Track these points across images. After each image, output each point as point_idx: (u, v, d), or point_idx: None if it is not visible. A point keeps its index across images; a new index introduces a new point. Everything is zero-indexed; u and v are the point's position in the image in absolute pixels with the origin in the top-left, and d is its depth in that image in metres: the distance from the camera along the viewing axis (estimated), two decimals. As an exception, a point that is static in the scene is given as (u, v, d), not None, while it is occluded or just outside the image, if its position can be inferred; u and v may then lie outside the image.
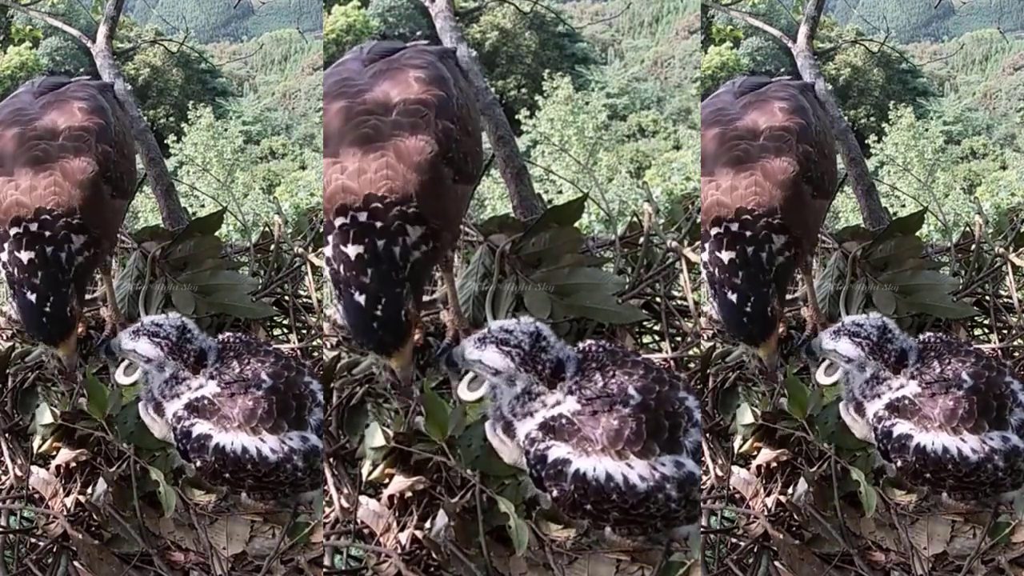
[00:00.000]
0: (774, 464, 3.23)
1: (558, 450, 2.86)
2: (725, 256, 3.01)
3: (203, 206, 3.43)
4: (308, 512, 3.17)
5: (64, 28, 3.52)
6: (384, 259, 2.83)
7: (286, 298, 3.34)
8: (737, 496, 3.25)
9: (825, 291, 3.26)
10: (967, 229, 3.39)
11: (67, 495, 3.26)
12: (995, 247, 3.33)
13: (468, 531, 3.04)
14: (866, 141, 3.45)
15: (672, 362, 3.17)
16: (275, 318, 3.34)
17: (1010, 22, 3.48)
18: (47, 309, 3.04)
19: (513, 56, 3.44)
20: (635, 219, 3.29)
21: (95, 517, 3.24)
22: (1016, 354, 3.24)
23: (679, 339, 3.20)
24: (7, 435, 3.31)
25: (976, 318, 3.30)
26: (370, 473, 3.10)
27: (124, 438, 3.21)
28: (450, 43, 3.32)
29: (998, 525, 3.13)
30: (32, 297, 3.03)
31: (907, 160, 3.44)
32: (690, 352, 3.19)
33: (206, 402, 3.07)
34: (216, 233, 3.33)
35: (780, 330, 3.13)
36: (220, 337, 3.15)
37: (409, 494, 3.07)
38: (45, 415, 3.28)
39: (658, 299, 3.21)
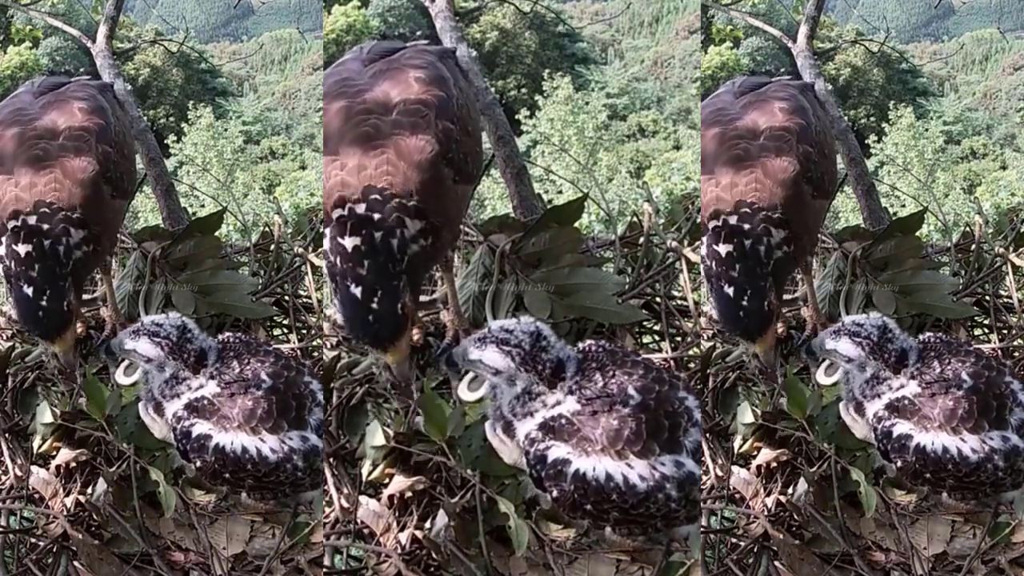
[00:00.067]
0: (774, 464, 3.23)
1: (558, 450, 2.86)
2: (722, 249, 3.01)
3: (203, 206, 3.43)
4: (308, 512, 3.17)
5: (64, 28, 3.52)
6: (381, 251, 2.83)
7: (286, 298, 3.34)
8: (737, 496, 3.25)
9: (825, 291, 3.26)
10: (967, 229, 3.39)
11: (67, 495, 3.26)
12: (995, 247, 3.33)
13: (468, 531, 3.04)
14: (866, 141, 3.45)
15: (672, 362, 3.17)
16: (275, 318, 3.34)
17: (1010, 22, 3.48)
18: (43, 303, 3.03)
19: (513, 56, 3.44)
20: (635, 219, 3.29)
21: (95, 517, 3.24)
22: (1016, 354, 3.24)
23: (679, 339, 3.20)
24: (7, 435, 3.31)
25: (976, 318, 3.30)
26: (370, 473, 3.10)
27: (124, 438, 3.21)
28: (450, 43, 3.32)
29: (998, 525, 3.13)
30: (28, 291, 3.02)
31: (907, 160, 3.44)
32: (690, 352, 3.19)
33: (206, 402, 3.07)
34: (216, 233, 3.33)
35: (780, 330, 3.13)
36: (220, 337, 3.15)
37: (409, 494, 3.07)
38: (45, 415, 3.28)
39: (658, 299, 3.21)
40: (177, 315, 3.18)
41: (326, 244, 2.84)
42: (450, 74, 2.99)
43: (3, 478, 3.32)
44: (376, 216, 2.82)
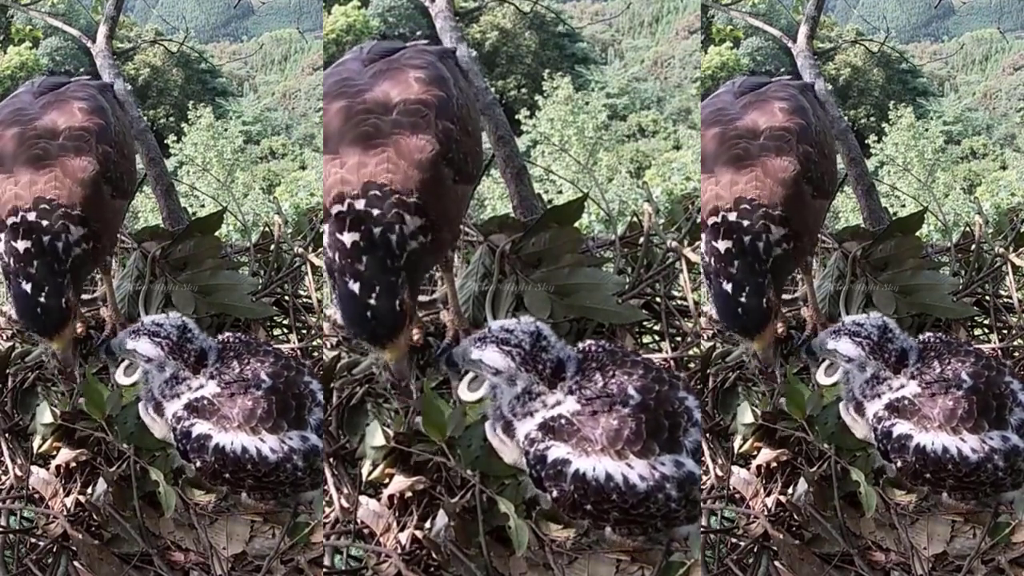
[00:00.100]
0: (774, 464, 3.23)
1: (558, 450, 2.86)
2: (721, 245, 3.01)
3: (203, 206, 3.43)
4: (308, 512, 3.17)
5: (64, 28, 3.52)
6: (380, 246, 2.82)
7: (286, 298, 3.34)
8: (737, 496, 3.25)
9: (825, 291, 3.26)
10: (967, 229, 3.39)
11: (67, 495, 3.26)
12: (995, 247, 3.33)
13: (468, 531, 3.04)
14: (866, 141, 3.45)
15: (672, 362, 3.17)
16: (275, 318, 3.34)
17: (1010, 22, 3.48)
18: (42, 300, 3.02)
19: (513, 56, 3.44)
20: (635, 219, 3.29)
21: (95, 517, 3.24)
22: (1016, 354, 3.24)
23: (679, 339, 3.20)
24: (7, 435, 3.31)
25: (976, 318, 3.30)
26: (370, 473, 3.10)
27: (124, 438, 3.21)
28: (450, 43, 3.32)
29: (998, 525, 3.13)
30: (27, 287, 3.02)
31: (907, 160, 3.44)
32: (690, 352, 3.19)
33: (206, 402, 3.07)
34: (216, 233, 3.33)
35: (780, 329, 3.13)
36: (220, 337, 3.15)
37: (409, 494, 3.07)
38: (45, 415, 3.28)
39: (658, 299, 3.21)
40: (177, 315, 3.18)
41: (325, 240, 2.84)
42: (450, 74, 2.99)
43: (3, 478, 3.32)
44: (375, 212, 2.82)
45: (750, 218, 3.00)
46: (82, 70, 3.47)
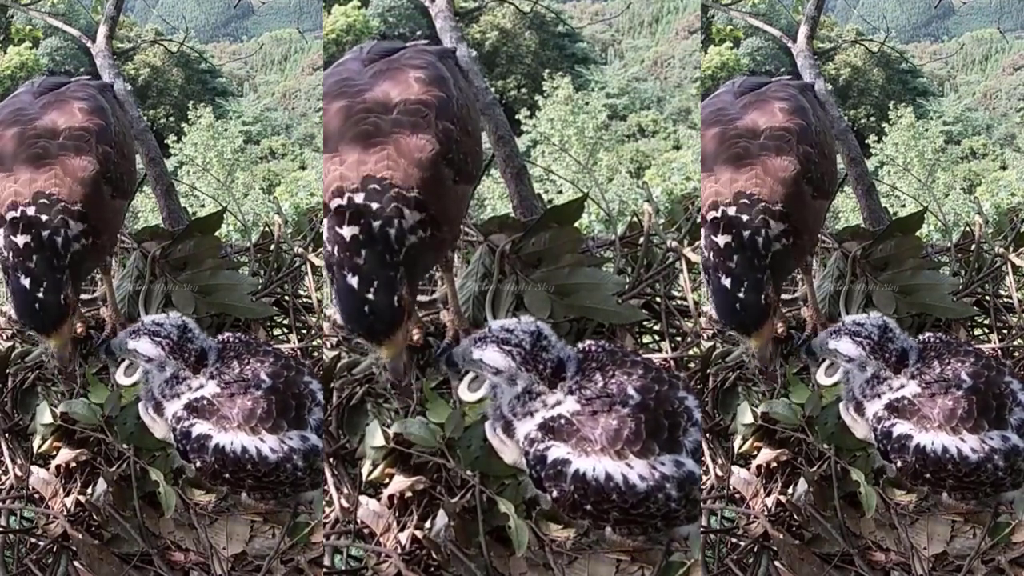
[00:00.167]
0: (774, 464, 3.23)
1: (557, 450, 2.86)
2: (720, 240, 3.00)
3: (203, 206, 3.43)
4: (308, 512, 3.17)
5: (64, 28, 3.52)
6: (379, 240, 2.82)
7: (286, 298, 3.34)
8: (737, 496, 3.25)
9: (825, 291, 3.26)
10: (967, 229, 3.39)
11: (67, 495, 3.26)
12: (995, 247, 3.33)
13: (468, 531, 3.04)
14: (866, 141, 3.45)
15: (672, 362, 3.16)
16: (275, 318, 3.34)
17: (1010, 22, 3.48)
18: (40, 295, 3.01)
19: (513, 56, 3.44)
20: (635, 219, 3.29)
21: (95, 517, 3.24)
22: (1016, 354, 3.23)
23: (679, 339, 3.20)
24: (7, 435, 3.31)
25: (976, 318, 3.30)
26: (370, 473, 3.09)
27: (124, 438, 3.21)
28: (450, 43, 3.32)
29: (998, 525, 3.13)
30: (26, 282, 3.01)
31: (907, 160, 3.44)
32: (690, 352, 3.19)
33: (205, 402, 3.07)
34: (216, 233, 3.33)
35: (780, 329, 3.13)
36: (220, 337, 3.15)
37: (409, 494, 3.07)
38: (45, 415, 3.28)
39: (658, 299, 3.21)
40: (177, 315, 3.18)
41: (324, 234, 2.84)
42: (450, 74, 2.99)
43: (3, 478, 3.32)
44: (375, 206, 2.82)
45: (749, 213, 3.00)
46: (82, 70, 3.47)
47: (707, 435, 3.22)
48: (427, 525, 3.06)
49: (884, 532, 3.19)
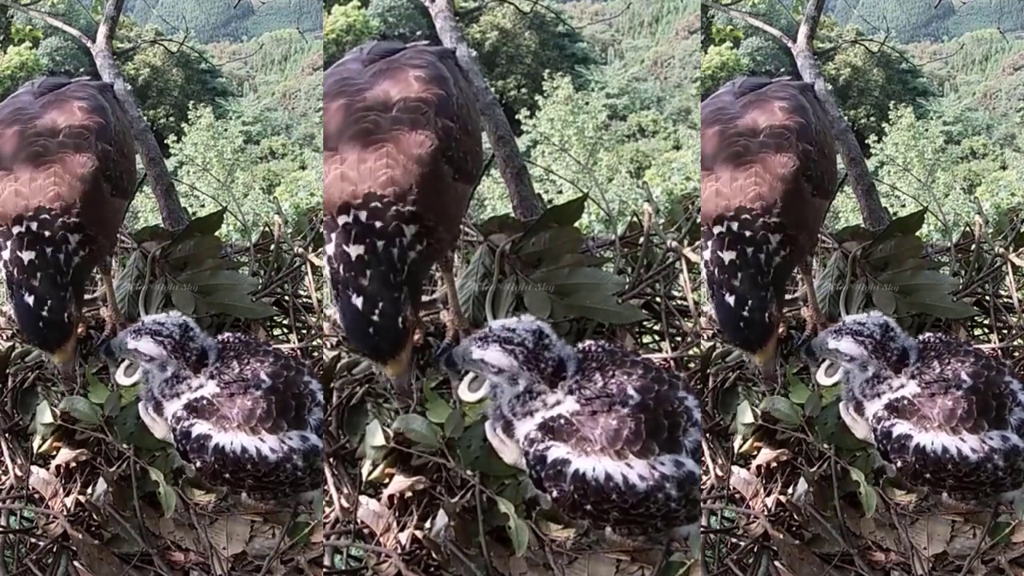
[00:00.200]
0: (774, 464, 3.23)
1: (557, 450, 2.85)
2: (726, 256, 3.01)
3: (203, 206, 3.43)
4: (308, 512, 3.17)
5: (64, 28, 3.52)
6: (383, 261, 2.83)
7: (286, 298, 3.34)
8: (737, 496, 3.25)
9: (825, 291, 3.26)
10: (967, 229, 3.39)
11: (67, 495, 3.26)
12: (995, 247, 3.33)
13: (468, 531, 3.04)
14: (866, 141, 3.45)
15: (672, 362, 3.16)
16: (275, 318, 3.34)
17: (1010, 22, 3.48)
18: (44, 313, 3.03)
19: (513, 56, 3.44)
20: (635, 219, 3.29)
21: (95, 517, 3.24)
22: (1016, 354, 3.23)
23: (679, 339, 3.20)
24: (7, 435, 3.31)
25: (976, 318, 3.30)
26: (370, 473, 3.09)
27: (124, 438, 3.21)
28: (450, 43, 3.32)
29: (998, 525, 3.13)
30: (30, 300, 3.02)
31: (907, 160, 3.44)
32: (690, 352, 3.19)
33: (205, 402, 3.07)
34: (216, 233, 3.33)
35: (780, 330, 3.13)
36: (220, 337, 3.15)
37: (409, 494, 3.07)
38: (45, 415, 3.28)
39: (658, 299, 3.21)
40: (178, 314, 3.18)
41: (331, 250, 2.84)
42: (450, 74, 2.99)
43: (3, 478, 3.32)
44: (378, 224, 2.82)
45: (752, 228, 3.00)
46: (82, 70, 3.47)
47: (707, 435, 3.22)
48: (427, 525, 3.06)
49: (884, 532, 3.19)
